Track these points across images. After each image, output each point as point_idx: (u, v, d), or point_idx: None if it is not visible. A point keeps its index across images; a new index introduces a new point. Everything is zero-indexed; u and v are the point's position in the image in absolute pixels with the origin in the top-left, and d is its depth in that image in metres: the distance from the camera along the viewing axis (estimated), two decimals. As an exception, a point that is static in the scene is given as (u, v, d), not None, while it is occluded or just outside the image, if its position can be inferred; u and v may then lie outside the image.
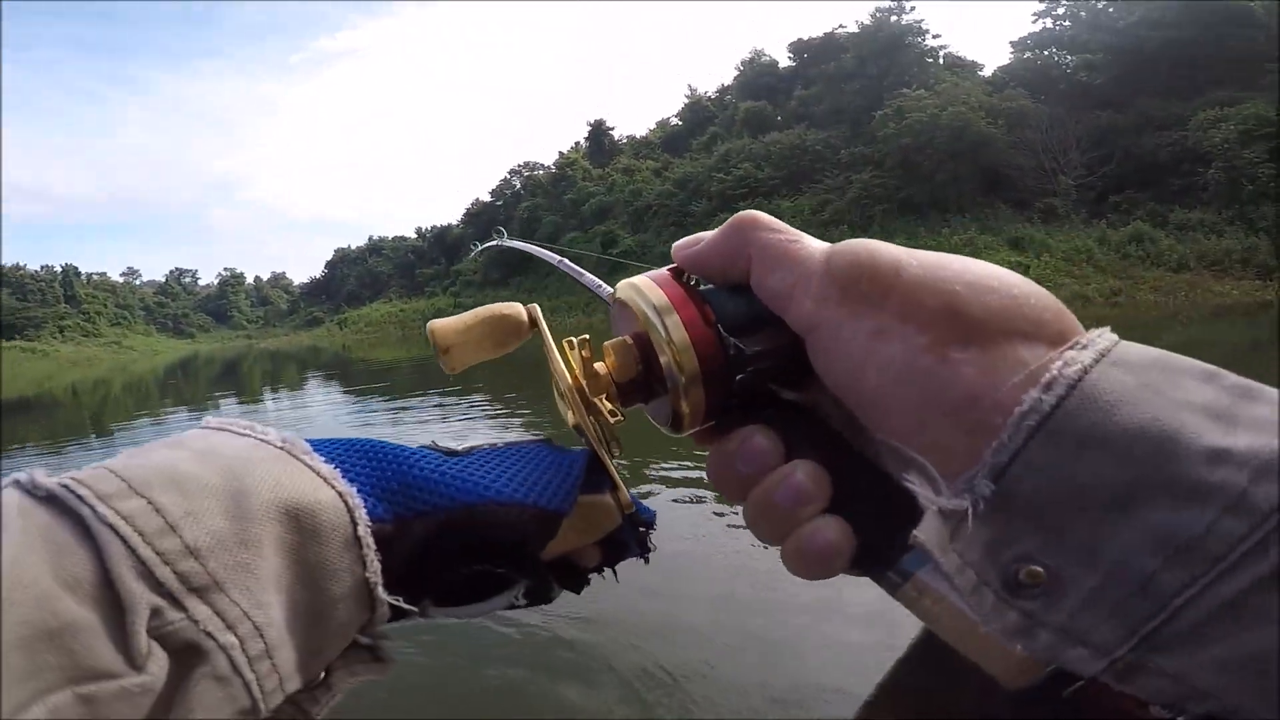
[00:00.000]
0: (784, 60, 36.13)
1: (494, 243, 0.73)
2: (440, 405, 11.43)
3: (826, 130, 26.99)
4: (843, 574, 0.24)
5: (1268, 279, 14.54)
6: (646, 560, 0.31)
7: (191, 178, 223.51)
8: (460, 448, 0.29)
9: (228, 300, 68.11)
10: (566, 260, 0.51)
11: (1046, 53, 24.33)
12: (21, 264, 51.94)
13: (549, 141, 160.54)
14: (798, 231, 0.26)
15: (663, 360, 0.26)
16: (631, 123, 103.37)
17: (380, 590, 0.24)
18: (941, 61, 28.51)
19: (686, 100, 43.05)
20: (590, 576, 0.31)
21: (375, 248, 61.15)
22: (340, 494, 0.24)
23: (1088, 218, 18.52)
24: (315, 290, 65.67)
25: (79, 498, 0.20)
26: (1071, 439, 0.18)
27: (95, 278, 57.97)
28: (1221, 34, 19.43)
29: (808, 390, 0.26)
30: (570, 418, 0.30)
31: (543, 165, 48.87)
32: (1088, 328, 0.21)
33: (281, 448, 0.25)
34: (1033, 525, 0.18)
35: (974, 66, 28.28)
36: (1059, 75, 22.95)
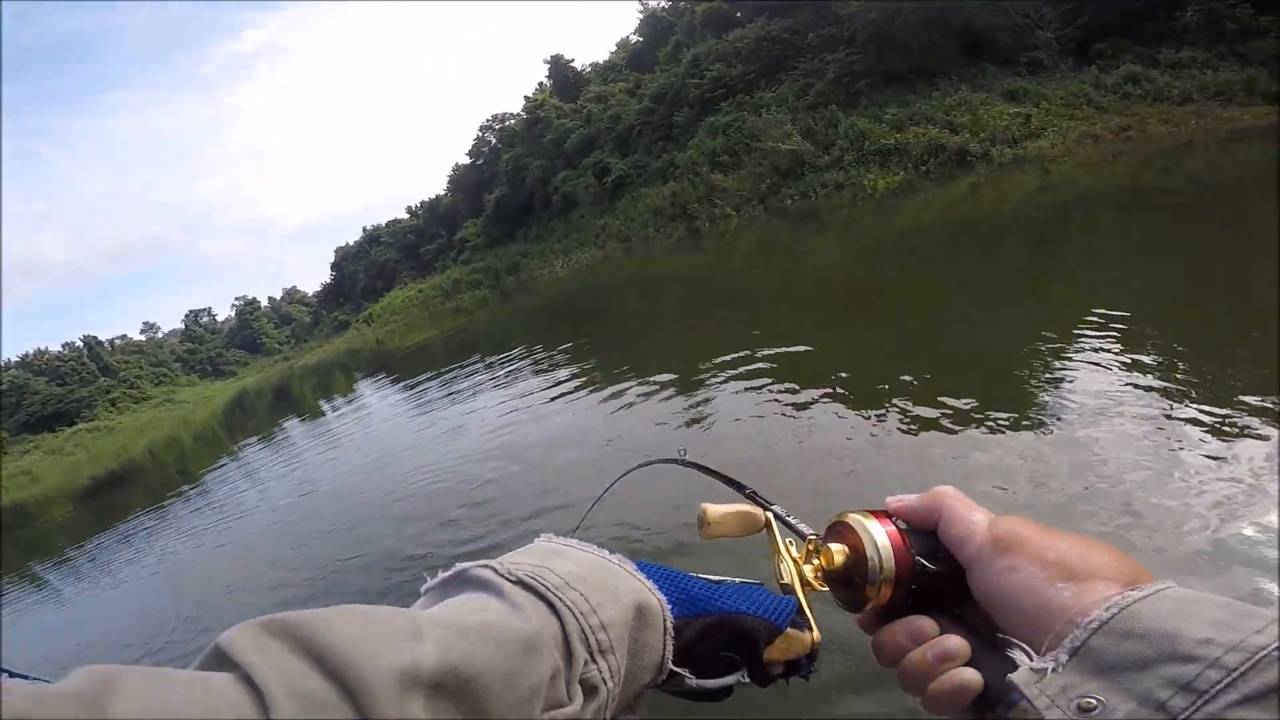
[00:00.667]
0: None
1: (673, 460, 0.77)
2: (483, 368, 12.41)
3: (788, 18, 26.37)
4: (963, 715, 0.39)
5: (1276, 102, 13.95)
6: (807, 679, 0.48)
7: (165, 216, 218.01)
8: (715, 579, 0.46)
9: (251, 330, 67.65)
10: (758, 493, 0.57)
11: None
12: (44, 348, 51.92)
13: (513, 89, 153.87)
14: (974, 503, 0.43)
15: (870, 564, 0.43)
16: (590, 51, 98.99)
17: (669, 663, 0.41)
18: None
19: (640, 16, 41.42)
20: (776, 678, 0.47)
21: (373, 238, 59.95)
22: (659, 601, 0.41)
23: (1075, 66, 18.42)
24: (330, 295, 64.60)
25: (545, 585, 0.36)
26: (1118, 635, 0.33)
27: (118, 342, 58.22)
28: None
29: (959, 604, 0.43)
30: (782, 579, 0.48)
31: (512, 114, 47.47)
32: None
33: (619, 565, 0.42)
34: (1091, 678, 0.33)
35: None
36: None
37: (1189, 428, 3.11)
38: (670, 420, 5.51)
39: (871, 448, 3.85)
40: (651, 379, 6.79)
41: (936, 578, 0.42)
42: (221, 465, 15.40)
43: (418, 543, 4.99)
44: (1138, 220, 8.82)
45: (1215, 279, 5.33)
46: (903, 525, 0.45)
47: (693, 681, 0.42)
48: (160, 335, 69.65)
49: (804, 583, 0.47)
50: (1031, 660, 0.35)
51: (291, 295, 76.07)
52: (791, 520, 0.53)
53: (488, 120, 49.33)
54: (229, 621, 0.29)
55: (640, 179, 28.99)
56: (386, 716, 0.27)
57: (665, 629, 0.40)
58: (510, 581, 0.36)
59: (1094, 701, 0.31)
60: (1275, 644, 0.28)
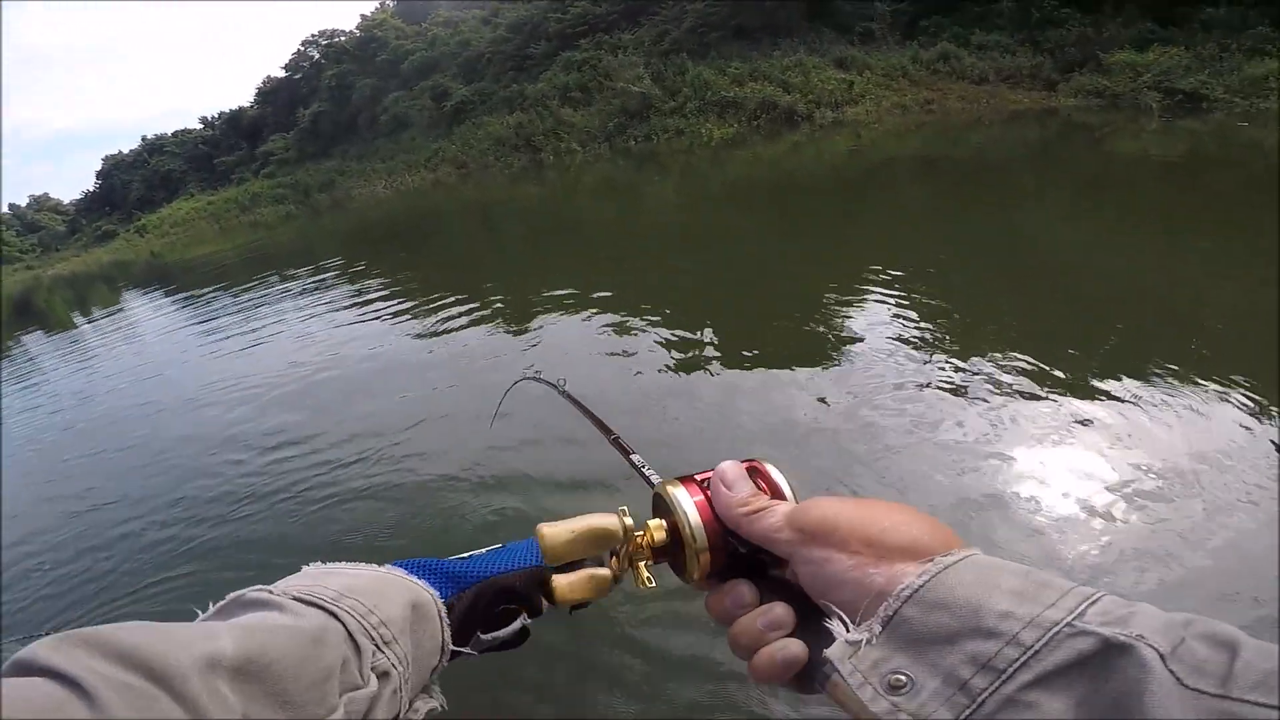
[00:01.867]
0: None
1: (549, 384, 0.94)
2: (290, 282, 10.62)
3: (659, -36, 26.22)
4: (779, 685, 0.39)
5: (1052, 90, 16.77)
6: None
7: None
8: (467, 554, 0.51)
9: None
10: (620, 438, 0.62)
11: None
12: None
13: (346, 10, 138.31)
14: (766, 499, 0.43)
15: (684, 537, 0.44)
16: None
17: (450, 644, 0.46)
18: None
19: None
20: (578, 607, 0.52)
21: (155, 146, 51.96)
22: (430, 594, 0.46)
23: (901, 40, 20.19)
24: (94, 204, 55.04)
25: (321, 598, 0.39)
26: (927, 605, 0.33)
27: None
28: None
29: (784, 568, 0.42)
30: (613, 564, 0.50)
31: (344, 31, 42.60)
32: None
33: (387, 572, 0.46)
34: (903, 651, 0.33)
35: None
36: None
37: (941, 372, 3.50)
38: (501, 353, 5.12)
39: (687, 390, 3.87)
40: (481, 308, 6.34)
41: (751, 551, 0.43)
42: None
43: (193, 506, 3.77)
44: (926, 184, 9.98)
45: (982, 240, 6.08)
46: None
47: (486, 638, 0.49)
48: None
49: (629, 557, 0.48)
50: (848, 631, 0.35)
51: (41, 202, 61.83)
52: (647, 471, 0.54)
53: (313, 35, 43.81)
54: None
55: (484, 107, 27.08)
56: (199, 696, 0.28)
57: (440, 615, 0.46)
58: (289, 599, 0.39)
59: (904, 679, 0.32)
60: (1068, 618, 0.29)
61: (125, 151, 54.23)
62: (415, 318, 6.54)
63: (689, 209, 11.42)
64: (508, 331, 5.63)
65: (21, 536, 3.87)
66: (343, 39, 41.50)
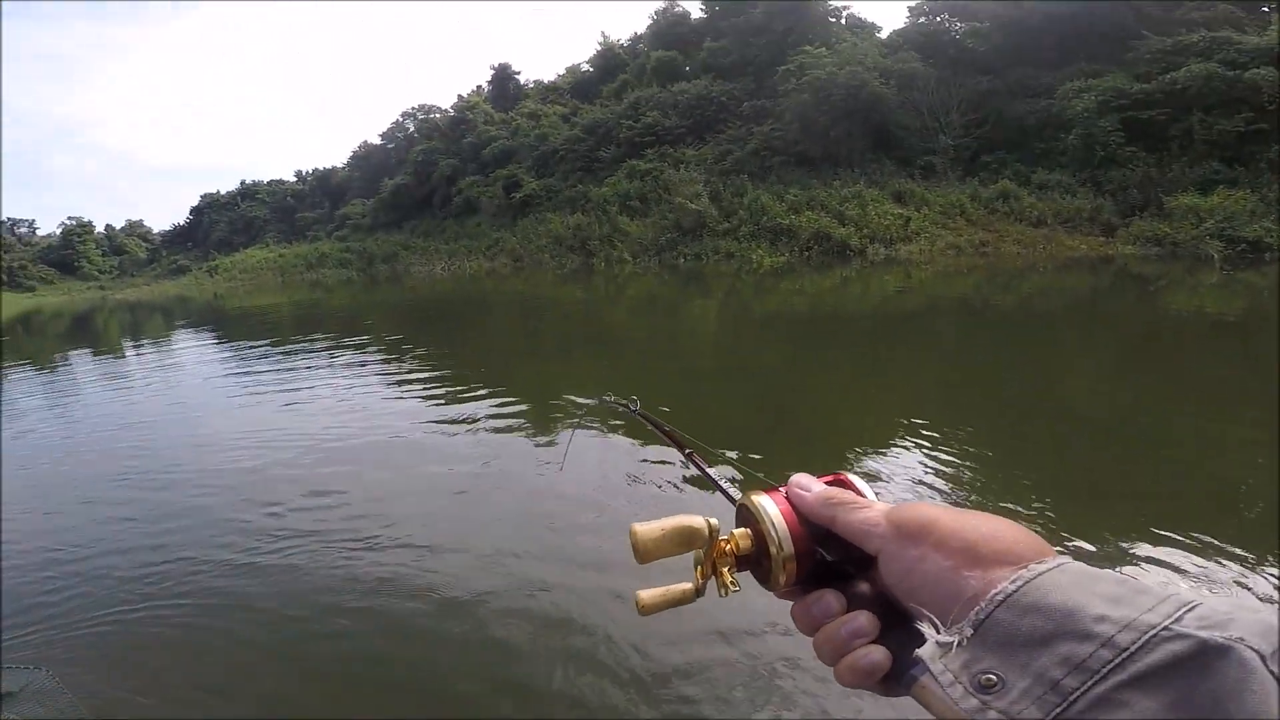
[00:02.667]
0: (696, 11, 35.61)
1: (623, 406, 0.83)
2: (333, 348, 11.25)
3: (732, 82, 26.85)
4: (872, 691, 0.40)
5: (1110, 235, 16.04)
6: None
7: (27, 123, 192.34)
8: None
9: (74, 250, 58.81)
10: (695, 455, 0.62)
11: (939, 19, 25.29)
12: None
13: (447, 85, 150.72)
14: (865, 499, 0.43)
15: (771, 548, 0.43)
16: (539, 68, 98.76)
17: None
18: (844, 21, 28.96)
19: (599, 47, 41.51)
20: None
21: (248, 192, 56.26)
22: None
23: (962, 175, 19.59)
24: (179, 238, 59.62)
25: None
26: (1020, 609, 0.32)
27: None
28: (1095, 10, 20.74)
29: (870, 579, 0.42)
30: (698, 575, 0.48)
31: (440, 108, 46.06)
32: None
33: None
34: (993, 653, 0.32)
35: (873, 28, 28.94)
36: (949, 41, 23.92)
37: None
38: (512, 450, 5.13)
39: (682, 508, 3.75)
40: (506, 403, 6.52)
41: (840, 555, 0.43)
42: None
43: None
44: (969, 331, 9.54)
45: (1018, 394, 5.80)
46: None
47: None
48: None
49: (714, 565, 0.47)
50: (939, 633, 0.35)
51: (133, 228, 67.19)
52: (724, 485, 0.55)
53: (413, 108, 47.59)
54: None
55: (550, 203, 28.04)
56: None
57: None
58: None
59: (994, 678, 0.32)
60: (1164, 622, 0.29)
61: (223, 192, 58.12)
62: (446, 402, 6.85)
63: (726, 331, 11.17)
64: (526, 434, 5.65)
65: None
66: (437, 116, 44.73)
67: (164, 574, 3.53)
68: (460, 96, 42.22)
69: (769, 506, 0.44)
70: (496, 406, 6.38)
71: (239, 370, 10.35)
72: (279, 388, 8.23)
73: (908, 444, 4.50)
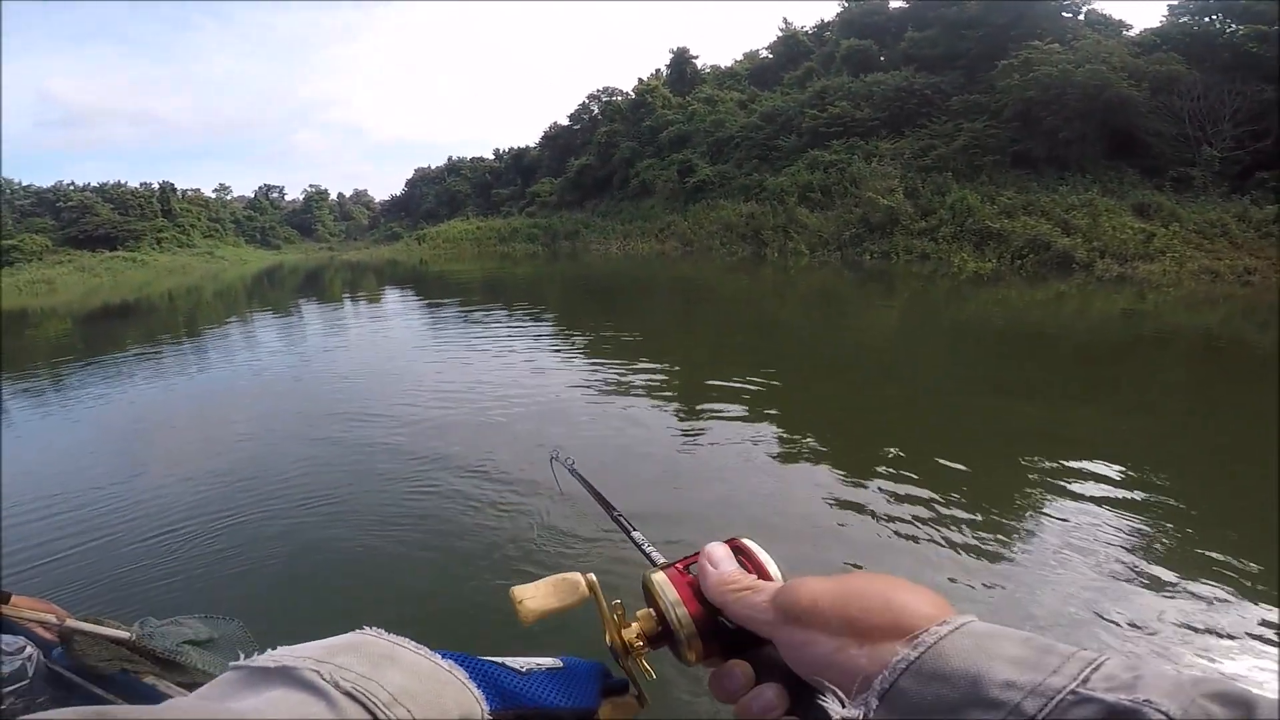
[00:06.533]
0: (895, 0, 33.50)
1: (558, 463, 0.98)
2: (507, 316, 12.94)
3: (939, 75, 24.98)
4: None
5: None
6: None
7: (278, 103, 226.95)
8: (526, 667, 0.46)
9: (312, 215, 70.06)
10: (621, 516, 0.64)
11: (1209, 19, 21.66)
12: (122, 181, 53.36)
13: (630, 68, 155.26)
14: (752, 579, 0.43)
15: (671, 625, 0.44)
16: (717, 53, 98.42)
17: None
18: (1083, 18, 25.76)
19: (780, 33, 40.48)
20: None
21: (454, 168, 61.84)
22: (482, 709, 0.40)
23: (1228, 192, 16.69)
24: (395, 207, 67.63)
25: (375, 702, 0.34)
26: (924, 677, 0.32)
27: (190, 193, 59.29)
28: None
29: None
30: (613, 648, 0.48)
31: (622, 91, 47.22)
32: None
33: (449, 671, 0.40)
34: None
35: (1120, 26, 25.46)
36: (1223, 44, 20.41)
37: (1120, 605, 2.92)
38: (655, 432, 5.52)
39: (827, 531, 3.79)
40: (657, 382, 7.00)
41: (738, 633, 0.43)
42: (228, 326, 16.26)
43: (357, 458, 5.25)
44: (1205, 372, 8.04)
45: (1250, 457, 4.86)
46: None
47: None
48: (230, 197, 71.53)
49: (628, 650, 0.47)
50: (844, 707, 0.35)
51: (359, 197, 78.90)
52: (647, 549, 0.56)
53: (597, 90, 49.25)
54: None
55: (722, 190, 27.93)
56: None
57: None
58: (338, 691, 0.34)
59: None
60: (1071, 685, 0.29)
61: (432, 167, 65.76)
62: (599, 370, 7.69)
63: (903, 335, 10.39)
64: (675, 412, 6.08)
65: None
66: (619, 99, 46.07)
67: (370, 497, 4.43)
68: (640, 80, 43.03)
69: (666, 589, 0.45)
70: (646, 377, 7.12)
71: (432, 325, 12.67)
72: (463, 342, 10.02)
73: (1083, 497, 4.00)
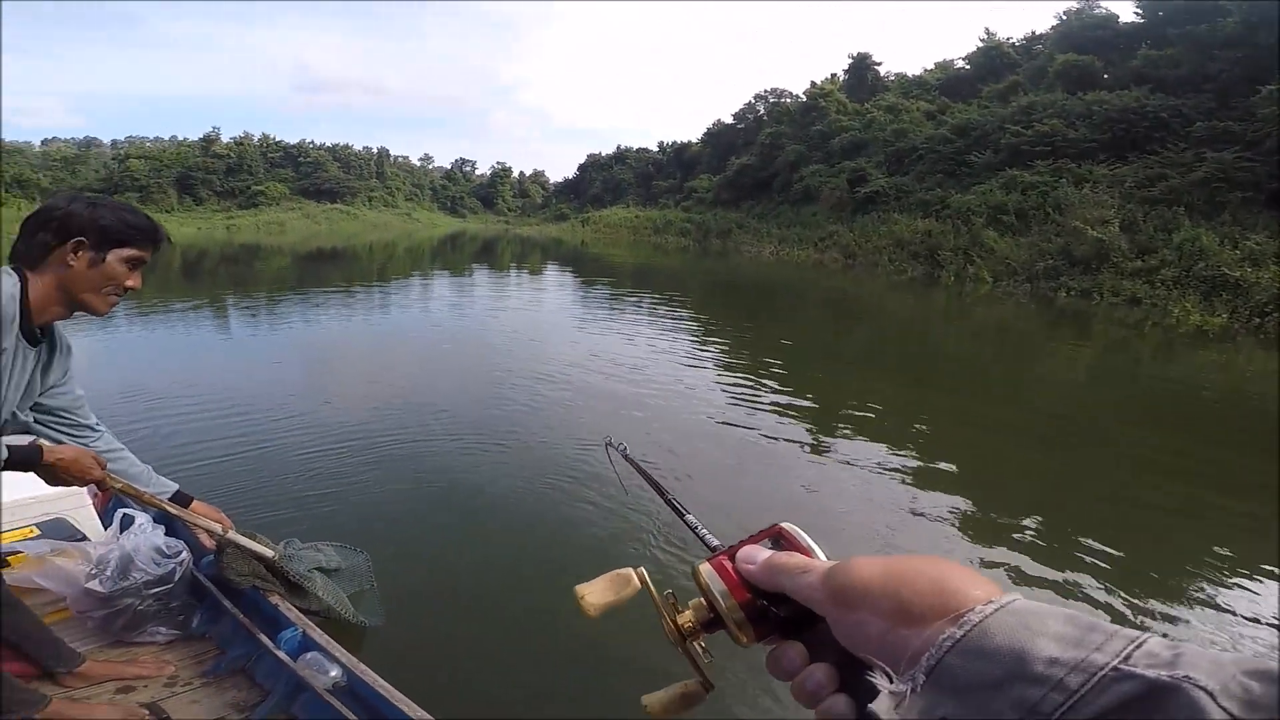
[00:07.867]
0: (1126, 14, 29.51)
1: (613, 448, 0.99)
2: (652, 303, 13.81)
3: (1180, 98, 21.62)
4: None
5: None
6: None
7: (483, 83, 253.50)
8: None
9: (495, 189, 78.13)
10: (675, 500, 0.66)
11: None
12: (349, 144, 64.67)
13: (801, 70, 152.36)
14: (807, 561, 0.44)
15: (720, 613, 0.46)
16: (902, 60, 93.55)
17: None
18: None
19: (981, 43, 37.33)
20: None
21: (620, 156, 64.88)
22: None
23: None
24: (566, 189, 72.55)
25: None
26: (971, 654, 0.33)
27: (400, 159, 70.86)
28: None
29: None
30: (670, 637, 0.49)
31: (791, 94, 46.35)
32: None
33: None
34: (950, 698, 0.33)
35: None
36: None
37: None
38: (782, 444, 5.57)
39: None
40: (791, 401, 6.87)
41: (788, 614, 0.44)
42: (410, 280, 18.80)
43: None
44: None
45: None
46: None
47: None
48: (430, 166, 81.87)
49: (684, 637, 0.49)
50: (891, 682, 0.36)
51: (537, 177, 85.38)
52: (700, 531, 0.57)
53: (764, 91, 48.77)
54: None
55: (897, 203, 26.26)
56: None
57: None
58: None
59: None
60: (1113, 661, 0.29)
61: (602, 154, 69.55)
62: (731, 373, 7.93)
63: (1090, 393, 8.90)
64: (801, 424, 6.06)
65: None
66: (788, 101, 45.15)
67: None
68: (813, 83, 41.75)
69: (710, 576, 0.46)
70: (776, 391, 7.10)
71: (580, 302, 14.11)
72: (606, 323, 10.95)
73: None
